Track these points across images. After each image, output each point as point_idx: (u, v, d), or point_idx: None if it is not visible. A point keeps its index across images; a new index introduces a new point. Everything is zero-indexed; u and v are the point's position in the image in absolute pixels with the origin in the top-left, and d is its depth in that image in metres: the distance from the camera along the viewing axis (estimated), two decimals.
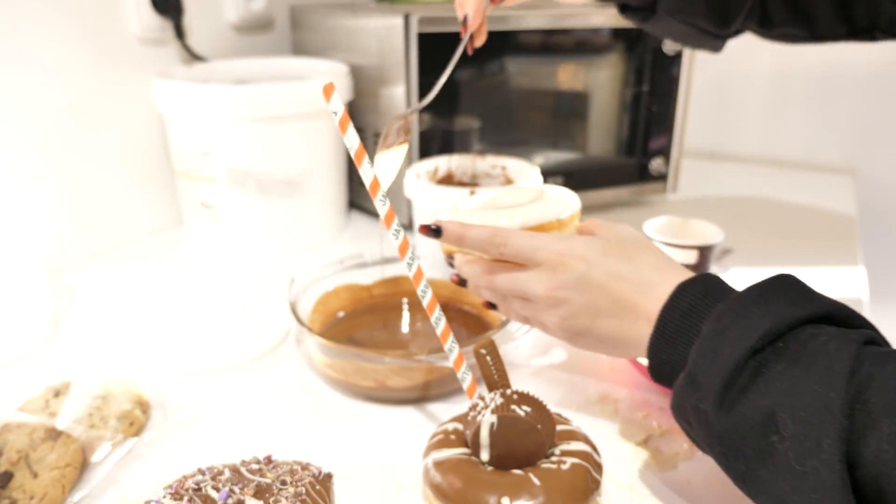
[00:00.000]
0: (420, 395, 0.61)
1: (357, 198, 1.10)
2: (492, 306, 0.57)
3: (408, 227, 0.94)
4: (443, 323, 0.50)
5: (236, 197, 0.90)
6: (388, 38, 0.92)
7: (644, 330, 0.47)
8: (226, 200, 0.90)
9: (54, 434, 0.53)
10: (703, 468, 0.53)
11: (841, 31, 0.67)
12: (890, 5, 0.63)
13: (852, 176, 1.31)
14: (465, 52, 0.66)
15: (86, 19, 0.87)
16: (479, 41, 0.69)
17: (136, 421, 0.57)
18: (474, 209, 0.58)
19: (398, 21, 0.88)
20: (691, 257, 0.76)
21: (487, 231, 0.52)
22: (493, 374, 0.50)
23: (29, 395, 0.60)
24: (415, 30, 0.87)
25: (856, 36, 0.68)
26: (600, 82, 1.05)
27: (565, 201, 0.57)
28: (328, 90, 0.44)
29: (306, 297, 0.70)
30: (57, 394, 0.60)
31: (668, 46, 1.02)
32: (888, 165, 1.29)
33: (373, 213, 1.09)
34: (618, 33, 1.01)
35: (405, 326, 0.74)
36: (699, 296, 0.45)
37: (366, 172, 0.46)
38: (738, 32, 0.72)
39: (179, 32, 0.96)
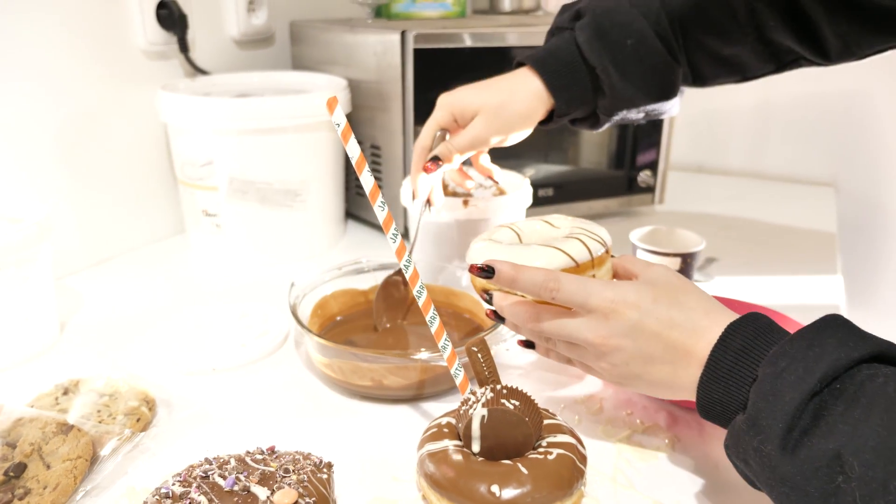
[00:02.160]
0: (415, 394, 0.64)
1: (354, 207, 1.13)
2: (528, 345, 0.59)
3: (405, 234, 0.98)
4: (437, 322, 0.53)
5: (237, 206, 0.93)
6: (384, 54, 0.95)
7: (696, 373, 0.49)
8: (227, 209, 0.93)
9: (65, 428, 0.56)
10: (681, 461, 0.56)
11: (769, 69, 0.72)
12: (802, 43, 0.67)
13: (834, 189, 1.35)
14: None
15: (93, 33, 0.90)
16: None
17: (142, 417, 0.60)
18: (511, 245, 0.58)
19: (395, 37, 0.92)
20: (675, 264, 0.79)
21: (540, 275, 0.52)
22: (484, 370, 0.53)
23: (38, 393, 0.63)
24: (411, 46, 0.91)
25: (784, 69, 0.72)
26: None
27: (597, 237, 0.58)
28: (332, 103, 0.47)
29: (305, 301, 0.73)
30: (66, 391, 0.63)
31: None
32: (867, 179, 1.33)
33: (369, 223, 1.12)
34: None
35: (401, 330, 0.76)
36: (750, 337, 0.47)
37: (366, 180, 0.50)
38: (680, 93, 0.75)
39: (183, 46, 0.99)
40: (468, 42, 0.95)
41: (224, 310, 0.81)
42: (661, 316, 0.50)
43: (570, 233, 0.58)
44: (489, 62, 1.00)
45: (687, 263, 0.80)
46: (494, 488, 0.47)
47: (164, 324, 0.78)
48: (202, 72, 1.04)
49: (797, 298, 0.87)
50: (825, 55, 0.67)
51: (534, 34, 0.98)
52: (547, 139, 1.09)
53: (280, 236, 0.97)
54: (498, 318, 0.58)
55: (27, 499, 0.49)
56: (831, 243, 1.06)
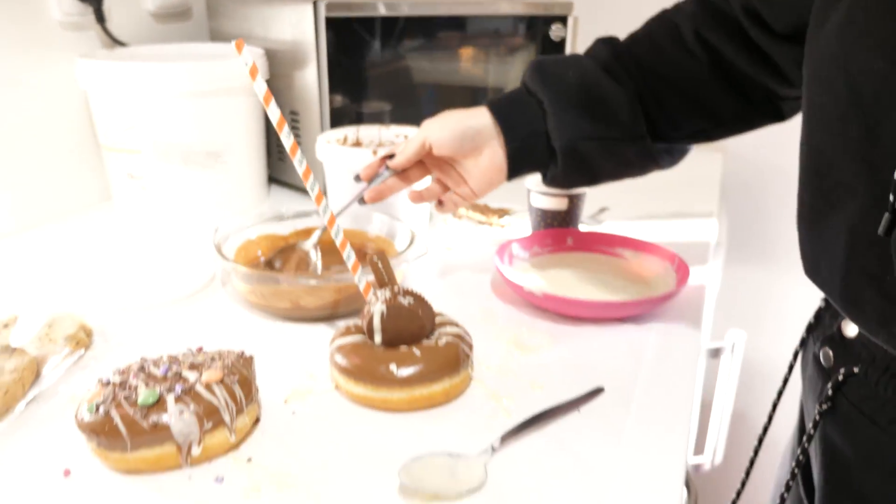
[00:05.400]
0: (330, 314, 0.72)
1: (276, 172, 1.19)
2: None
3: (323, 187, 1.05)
4: (353, 258, 0.62)
5: (161, 167, 0.98)
6: (298, 24, 1.02)
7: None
8: (151, 171, 0.99)
9: (9, 350, 0.61)
10: (556, 356, 0.66)
11: (740, 103, 0.72)
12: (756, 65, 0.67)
13: (722, 154, 1.49)
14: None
15: (7, 3, 0.93)
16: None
17: (81, 341, 0.66)
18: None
19: (308, 7, 0.99)
20: (563, 203, 0.89)
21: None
22: (384, 276, 0.61)
23: None
24: (323, 15, 0.98)
25: (760, 108, 0.72)
26: (500, 66, 1.18)
27: None
28: (239, 44, 0.54)
29: (229, 243, 0.79)
30: (6, 326, 0.68)
31: (555, 33, 1.16)
32: (751, 144, 1.48)
33: (292, 186, 1.18)
34: (515, 21, 1.14)
35: (318, 267, 0.84)
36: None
37: (286, 138, 0.57)
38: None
39: (99, 17, 1.03)
40: (382, 10, 1.02)
41: (153, 256, 0.87)
42: None
43: None
44: (402, 30, 1.08)
45: (574, 204, 0.90)
46: (392, 367, 0.56)
47: (95, 272, 0.83)
48: (120, 43, 1.08)
49: (675, 237, 0.99)
50: (787, 81, 0.67)
51: (446, 3, 1.06)
52: (462, 106, 1.18)
53: (204, 197, 1.03)
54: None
55: None
56: (713, 196, 1.19)
